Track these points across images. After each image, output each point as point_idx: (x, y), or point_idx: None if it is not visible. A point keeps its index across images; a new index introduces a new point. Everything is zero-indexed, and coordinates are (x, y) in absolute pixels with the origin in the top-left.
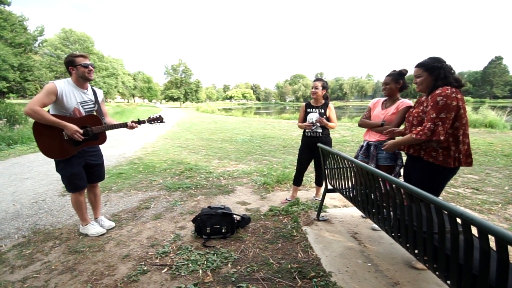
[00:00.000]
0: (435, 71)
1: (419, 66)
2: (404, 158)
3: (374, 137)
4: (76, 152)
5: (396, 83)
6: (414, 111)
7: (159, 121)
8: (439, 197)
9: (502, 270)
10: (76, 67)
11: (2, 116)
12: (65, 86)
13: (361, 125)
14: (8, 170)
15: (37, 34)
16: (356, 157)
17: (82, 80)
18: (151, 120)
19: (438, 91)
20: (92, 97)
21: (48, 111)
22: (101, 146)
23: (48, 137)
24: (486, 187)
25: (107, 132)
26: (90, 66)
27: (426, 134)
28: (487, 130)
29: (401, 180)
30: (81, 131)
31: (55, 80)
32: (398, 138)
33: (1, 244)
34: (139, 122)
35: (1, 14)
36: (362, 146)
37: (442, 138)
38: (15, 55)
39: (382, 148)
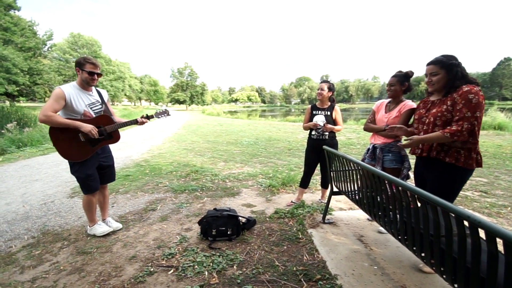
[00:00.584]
0: (453, 69)
1: (435, 63)
2: (411, 161)
3: (379, 140)
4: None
5: (401, 85)
6: (434, 111)
7: (165, 114)
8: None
9: (510, 273)
10: (83, 71)
11: (12, 119)
12: (71, 90)
13: (366, 129)
14: (18, 172)
15: (46, 38)
16: (363, 160)
17: (86, 84)
18: (158, 114)
19: (466, 89)
20: (98, 98)
21: None
22: (110, 148)
23: (65, 141)
24: (495, 190)
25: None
26: (95, 76)
27: (464, 135)
28: (496, 132)
29: (408, 182)
30: (96, 129)
31: (61, 86)
32: (426, 136)
33: (11, 244)
34: (148, 117)
35: (11, 19)
36: (368, 149)
37: (478, 138)
38: (25, 59)
39: (401, 145)
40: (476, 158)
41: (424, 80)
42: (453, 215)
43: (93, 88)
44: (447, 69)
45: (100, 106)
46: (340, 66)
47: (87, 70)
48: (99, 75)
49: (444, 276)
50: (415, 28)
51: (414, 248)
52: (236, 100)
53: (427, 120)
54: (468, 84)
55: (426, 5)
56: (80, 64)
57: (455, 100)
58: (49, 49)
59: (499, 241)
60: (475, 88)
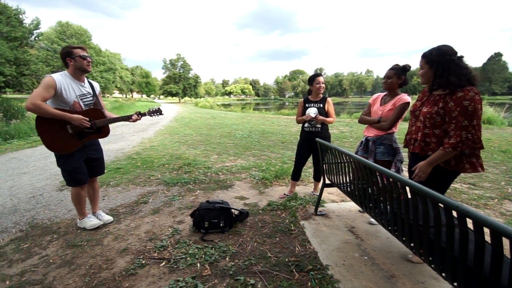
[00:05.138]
0: (436, 65)
1: (422, 56)
2: (404, 154)
3: (372, 133)
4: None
5: (398, 78)
6: (425, 110)
7: (158, 114)
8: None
9: (496, 262)
10: (74, 58)
11: None
12: (62, 79)
13: (360, 121)
14: (5, 165)
15: (33, 27)
16: (356, 152)
17: (80, 72)
18: (151, 113)
19: (460, 94)
20: (90, 90)
21: None
22: (99, 141)
23: (52, 132)
24: (482, 182)
25: None
26: (88, 58)
27: (468, 145)
28: (485, 126)
29: (398, 174)
30: (87, 118)
31: (52, 74)
32: (431, 158)
33: None
34: (141, 114)
35: None
36: (362, 142)
37: (479, 145)
38: (11, 49)
39: (413, 178)
40: (468, 162)
41: (417, 74)
42: (442, 205)
43: (86, 80)
44: (430, 64)
45: (91, 98)
46: (334, 59)
47: (80, 55)
48: (90, 58)
49: (433, 266)
50: (408, 22)
51: (404, 239)
52: (229, 93)
53: (420, 117)
54: (463, 88)
55: (416, 1)
56: (68, 53)
57: (448, 104)
58: (36, 38)
59: (486, 232)
60: (470, 93)
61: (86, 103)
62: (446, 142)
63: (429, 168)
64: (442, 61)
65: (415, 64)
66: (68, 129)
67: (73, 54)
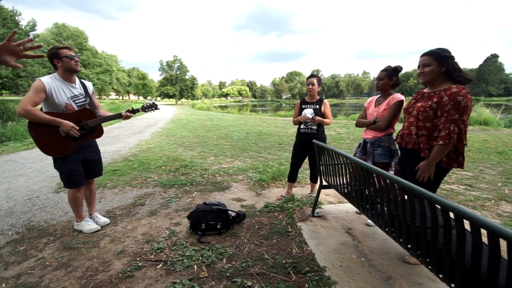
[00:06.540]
0: (446, 62)
1: (428, 54)
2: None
3: (370, 134)
4: (75, 148)
5: (389, 79)
6: (419, 105)
7: (153, 108)
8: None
9: (493, 263)
10: (62, 59)
11: None
12: (52, 82)
13: (357, 125)
14: (1, 167)
15: (29, 29)
16: (354, 154)
17: (69, 73)
18: (145, 108)
19: (455, 90)
20: (81, 91)
21: (41, 109)
22: (97, 142)
23: (45, 135)
24: (479, 183)
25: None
26: (76, 58)
27: (454, 138)
28: (482, 127)
29: (395, 175)
30: (77, 127)
31: (41, 77)
32: (430, 156)
33: None
34: (133, 111)
35: None
36: (360, 144)
37: (465, 142)
38: None
39: (418, 178)
40: (455, 159)
41: (413, 75)
42: (439, 207)
43: (77, 80)
44: (440, 61)
45: (83, 99)
46: (331, 61)
47: (67, 55)
48: (78, 57)
49: (430, 267)
50: (404, 24)
51: (401, 240)
52: (226, 95)
53: (413, 112)
54: (457, 84)
55: (416, 2)
56: (55, 54)
57: (442, 99)
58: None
59: (483, 233)
60: (463, 91)
61: (78, 104)
62: (438, 136)
63: (431, 167)
64: (453, 58)
65: (411, 65)
66: (61, 132)
67: (60, 55)
